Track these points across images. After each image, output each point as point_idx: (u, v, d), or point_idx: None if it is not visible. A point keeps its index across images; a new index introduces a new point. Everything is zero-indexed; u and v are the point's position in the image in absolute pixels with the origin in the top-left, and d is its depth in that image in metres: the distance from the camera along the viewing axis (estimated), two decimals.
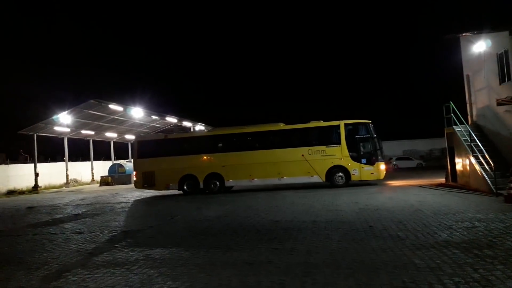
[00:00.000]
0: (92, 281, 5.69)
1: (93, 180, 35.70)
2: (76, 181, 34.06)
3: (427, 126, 37.87)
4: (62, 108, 27.21)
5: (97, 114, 29.24)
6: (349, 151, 17.64)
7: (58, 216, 13.86)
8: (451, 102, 15.49)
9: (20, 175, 29.58)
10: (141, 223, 11.20)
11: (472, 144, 14.11)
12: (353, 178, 17.59)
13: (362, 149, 17.67)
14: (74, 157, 35.44)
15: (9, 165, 31.30)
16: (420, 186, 16.58)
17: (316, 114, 58.89)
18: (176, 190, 19.65)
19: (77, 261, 6.89)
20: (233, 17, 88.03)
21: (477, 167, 13.55)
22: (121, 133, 35.41)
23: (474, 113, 16.35)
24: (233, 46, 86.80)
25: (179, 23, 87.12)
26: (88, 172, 36.31)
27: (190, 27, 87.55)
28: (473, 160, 13.85)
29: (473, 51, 15.77)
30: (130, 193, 21.79)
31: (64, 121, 28.06)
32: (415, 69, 64.97)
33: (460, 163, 15.45)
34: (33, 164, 29.96)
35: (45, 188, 30.54)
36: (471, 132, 14.40)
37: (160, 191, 20.34)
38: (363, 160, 17.48)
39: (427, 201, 11.86)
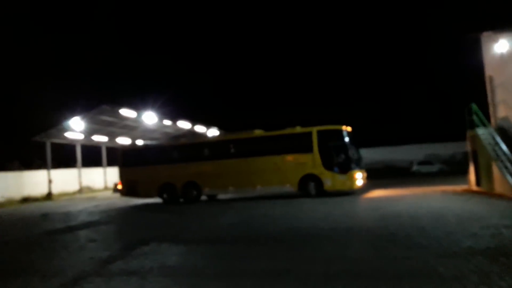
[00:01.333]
0: None
1: (106, 187, 35.87)
2: (89, 188, 34.23)
3: (449, 129, 37.21)
4: (74, 114, 27.31)
5: (109, 120, 29.37)
6: (321, 159, 16.55)
7: (72, 223, 13.87)
8: (473, 103, 15.12)
9: (33, 182, 29.81)
10: (155, 231, 11.12)
11: (496, 147, 13.67)
12: (326, 187, 16.47)
13: (334, 157, 16.46)
14: (87, 164, 35.62)
15: (23, 172, 31.62)
16: (443, 192, 15.96)
17: (336, 117, 58.57)
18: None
19: (92, 269, 6.84)
20: (247, 20, 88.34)
21: (502, 171, 13.14)
22: (134, 139, 35.52)
23: (498, 115, 15.74)
24: (249, 49, 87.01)
25: (193, 28, 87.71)
26: (101, 178, 36.50)
27: (205, 32, 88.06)
28: (497, 164, 13.45)
29: (495, 51, 15.34)
30: (143, 200, 21.77)
31: (76, 127, 28.17)
32: (435, 70, 63.99)
33: (483, 168, 14.99)
34: (46, 171, 30.20)
35: (59, 195, 30.73)
36: (495, 135, 14.00)
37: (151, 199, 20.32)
38: (336, 169, 16.35)
39: (450, 207, 11.53)
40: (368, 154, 41.17)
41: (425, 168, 34.09)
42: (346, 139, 16.76)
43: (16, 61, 64.90)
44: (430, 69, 64.76)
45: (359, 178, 16.52)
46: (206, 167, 18.70)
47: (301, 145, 17.31)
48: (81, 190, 32.36)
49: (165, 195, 19.32)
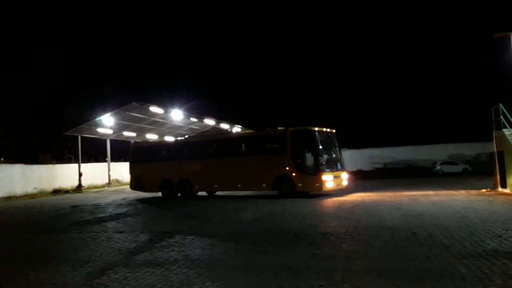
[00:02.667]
0: (133, 279, 5.80)
1: None
2: (117, 181, 35.07)
3: (474, 129, 36.30)
4: (105, 110, 28.10)
5: (138, 116, 29.99)
6: (293, 160, 16.41)
7: (101, 215, 14.29)
8: (500, 104, 14.77)
9: (65, 175, 30.82)
10: (180, 224, 11.35)
11: None
12: (298, 188, 16.37)
13: (306, 158, 16.33)
14: (116, 158, 36.52)
15: (55, 165, 32.70)
16: (467, 192, 15.69)
17: (362, 116, 57.97)
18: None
19: (119, 260, 7.05)
20: (273, 19, 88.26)
21: None
22: (161, 135, 36.16)
23: None
24: (275, 47, 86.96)
25: (222, 28, 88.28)
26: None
27: (234, 30, 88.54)
28: None
29: None
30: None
31: (107, 122, 28.98)
32: (462, 70, 62.35)
33: (510, 169, 14.65)
34: (77, 164, 31.11)
35: (88, 187, 31.65)
36: None
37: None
38: (306, 170, 16.17)
39: (474, 207, 11.32)
40: (391, 153, 40.80)
41: (448, 168, 33.39)
42: (318, 140, 16.36)
43: (52, 60, 67.12)
44: (457, 69, 63.17)
45: (329, 180, 16.02)
46: (195, 166, 19.52)
47: (277, 145, 17.39)
48: (110, 183, 33.18)
49: (164, 190, 20.37)
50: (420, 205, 12.51)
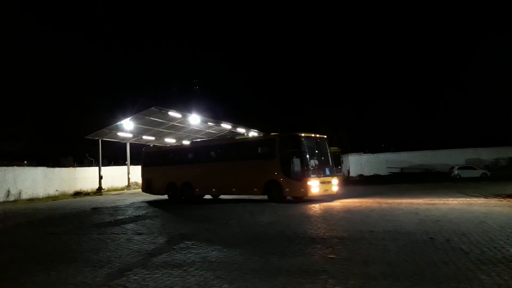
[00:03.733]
0: (152, 280, 5.91)
1: None
2: (137, 184, 35.41)
3: (493, 134, 35.66)
4: (125, 115, 28.55)
5: (157, 121, 30.39)
6: (281, 165, 16.58)
7: (120, 217, 14.53)
8: None
9: (85, 178, 31.40)
10: (198, 226, 11.48)
11: None
12: (285, 193, 16.52)
13: (292, 163, 16.35)
14: (135, 161, 36.98)
15: (76, 168, 33.34)
16: (485, 198, 15.38)
17: (379, 120, 57.44)
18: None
19: (138, 261, 7.18)
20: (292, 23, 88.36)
21: None
22: (179, 139, 36.51)
23: None
24: (293, 51, 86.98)
25: (239, 32, 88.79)
26: None
27: (252, 35, 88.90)
28: None
29: None
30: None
31: (126, 127, 29.46)
32: (481, 74, 61.33)
33: None
34: (97, 167, 31.64)
35: (108, 190, 32.13)
36: None
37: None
38: (293, 175, 16.26)
39: (493, 213, 11.11)
40: (408, 158, 40.38)
41: (466, 173, 32.80)
42: (304, 146, 16.47)
43: (75, 67, 68.59)
44: (478, 73, 62.09)
45: (315, 186, 16.08)
46: (196, 170, 20.04)
47: (267, 151, 17.63)
48: (129, 186, 33.62)
49: (170, 193, 20.97)
50: (438, 210, 12.34)
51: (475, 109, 53.31)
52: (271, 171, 16.90)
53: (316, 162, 17.05)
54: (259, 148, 18.64)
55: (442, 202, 14.56)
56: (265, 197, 17.43)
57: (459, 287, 4.97)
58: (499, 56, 57.36)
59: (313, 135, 17.52)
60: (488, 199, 14.90)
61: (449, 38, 72.64)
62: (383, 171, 39.48)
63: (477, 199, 15.03)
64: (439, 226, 9.34)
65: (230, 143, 21.01)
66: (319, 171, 16.82)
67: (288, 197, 16.93)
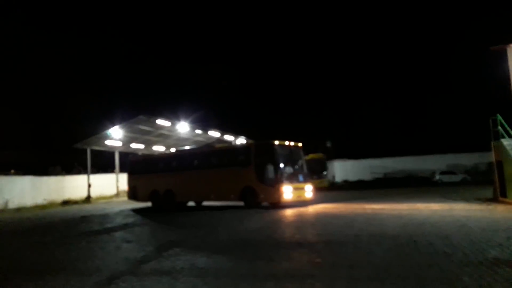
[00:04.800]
0: (141, 287, 5.93)
1: None
2: (125, 192, 35.16)
3: (472, 139, 36.32)
4: (114, 123, 28.51)
5: (145, 129, 30.37)
6: (256, 172, 17.13)
7: (109, 225, 14.46)
8: (498, 114, 14.88)
9: (74, 186, 31.14)
10: (186, 233, 11.50)
11: None
12: (260, 199, 17.05)
13: (266, 170, 16.84)
14: (124, 170, 36.77)
15: (65, 176, 33.06)
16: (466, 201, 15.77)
17: (359, 126, 57.99)
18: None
19: (127, 269, 7.18)
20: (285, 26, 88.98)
21: None
22: (168, 147, 36.47)
23: None
24: (278, 58, 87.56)
25: (226, 38, 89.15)
26: None
27: (238, 40, 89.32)
28: None
29: None
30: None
31: (115, 135, 29.38)
32: (460, 80, 62.41)
33: (509, 178, 14.70)
34: (86, 176, 31.43)
35: (97, 198, 31.90)
36: None
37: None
38: (267, 181, 16.75)
39: (475, 216, 11.36)
40: (391, 163, 40.92)
41: (447, 178, 33.59)
42: (277, 154, 17.01)
43: (62, 74, 68.16)
44: (455, 79, 63.21)
45: (288, 192, 16.57)
46: (176, 177, 20.47)
47: (244, 158, 18.09)
48: (118, 194, 33.45)
49: (153, 200, 21.40)
50: (421, 214, 12.56)
51: (455, 115, 54.22)
52: (247, 178, 17.39)
53: (290, 169, 17.52)
54: (236, 156, 19.02)
55: (424, 206, 14.85)
56: (242, 203, 17.76)
57: None
58: (477, 62, 58.59)
59: (287, 142, 17.96)
60: (469, 203, 15.26)
61: (429, 47, 73.84)
62: (367, 177, 40.02)
63: (458, 203, 15.38)
64: (422, 229, 9.51)
65: (208, 151, 21.55)
66: (293, 178, 17.27)
67: (264, 203, 17.33)
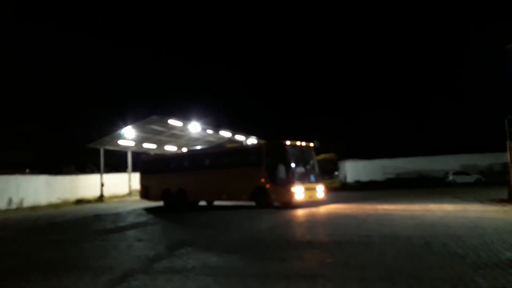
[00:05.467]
0: (152, 286, 5.98)
1: None
2: (137, 191, 35.48)
3: (487, 139, 35.77)
4: (126, 123, 28.76)
5: (158, 129, 30.56)
6: (268, 172, 17.12)
7: (121, 224, 14.61)
8: None
9: (87, 185, 31.50)
10: (197, 232, 11.56)
11: None
12: (272, 199, 16.98)
13: (278, 170, 16.81)
14: (136, 169, 37.06)
15: (78, 175, 33.46)
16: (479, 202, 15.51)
17: (374, 126, 57.59)
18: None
19: (139, 267, 7.23)
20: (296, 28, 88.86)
21: None
22: (179, 147, 36.66)
23: None
24: (292, 58, 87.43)
25: (236, 39, 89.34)
26: None
27: (250, 41, 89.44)
28: None
29: None
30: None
31: (128, 135, 29.63)
32: (474, 80, 61.51)
33: None
34: (99, 175, 31.76)
35: (110, 197, 32.20)
36: None
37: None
38: (279, 182, 16.73)
39: (489, 217, 11.19)
40: (404, 163, 40.53)
41: (461, 179, 33.03)
42: (289, 154, 17.00)
43: (76, 75, 69.04)
44: (470, 78, 62.30)
45: (299, 192, 16.49)
46: (189, 177, 20.62)
47: (255, 158, 18.08)
48: (130, 193, 33.71)
49: (165, 200, 21.51)
50: (433, 215, 12.42)
51: (470, 115, 53.45)
52: (258, 178, 17.39)
53: (302, 169, 17.49)
54: (247, 156, 19.04)
55: (437, 207, 14.67)
56: (253, 203, 17.76)
57: None
58: (493, 61, 57.71)
59: (298, 143, 17.91)
60: (483, 204, 15.00)
61: (442, 43, 73.00)
62: (379, 177, 39.66)
63: (472, 204, 15.13)
64: (435, 230, 9.40)
65: (220, 151, 21.76)
66: (304, 178, 17.23)
67: (276, 203, 17.26)
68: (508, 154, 16.09)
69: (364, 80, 76.78)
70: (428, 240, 8.21)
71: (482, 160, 36.90)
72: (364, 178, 40.67)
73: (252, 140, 36.73)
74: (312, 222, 12.41)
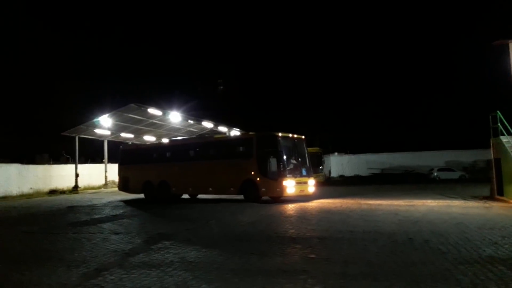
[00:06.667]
0: (128, 281, 5.78)
1: None
2: (114, 182, 34.87)
3: (471, 136, 36.55)
4: (103, 111, 28.06)
5: (136, 118, 29.93)
6: (258, 165, 16.55)
7: (97, 216, 14.25)
8: (498, 111, 14.86)
9: (61, 175, 30.71)
10: (177, 226, 11.33)
11: None
12: (261, 193, 16.53)
13: (269, 163, 16.23)
14: (113, 159, 36.41)
15: (52, 165, 32.58)
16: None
17: (360, 121, 58.14)
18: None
19: (115, 261, 7.03)
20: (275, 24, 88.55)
21: None
22: (159, 137, 36.14)
23: None
24: (274, 50, 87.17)
25: (219, 28, 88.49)
26: None
27: (232, 31, 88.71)
28: None
29: None
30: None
31: (104, 123, 28.93)
32: (459, 76, 62.75)
33: (507, 176, 14.72)
34: (74, 165, 31.04)
35: (85, 188, 31.55)
36: None
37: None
38: (269, 175, 16.19)
39: (471, 214, 11.40)
40: (389, 159, 41.04)
41: (445, 175, 33.64)
42: (281, 146, 16.49)
43: (50, 60, 67.10)
44: (455, 75, 63.52)
45: (290, 186, 16.14)
46: (173, 168, 19.88)
47: (245, 150, 17.60)
48: (106, 184, 33.10)
49: (146, 192, 20.76)
50: (417, 211, 12.55)
51: (455, 111, 54.56)
52: (248, 171, 16.90)
53: (293, 162, 17.08)
54: (237, 148, 18.48)
55: (421, 203, 14.86)
56: (242, 196, 17.39)
57: (437, 287, 5.03)
58: (478, 58, 58.94)
59: (290, 135, 17.47)
60: (466, 201, 15.31)
61: (429, 40, 74.10)
62: (364, 172, 40.01)
63: (455, 201, 15.43)
64: (418, 226, 9.49)
65: (207, 141, 20.85)
66: (296, 172, 16.86)
67: (265, 197, 16.91)
68: (491, 151, 16.34)
69: (351, 75, 77.40)
70: (411, 236, 8.25)
71: (467, 156, 37.59)
72: (348, 173, 40.96)
73: (235, 132, 36.49)
74: (295, 217, 12.34)
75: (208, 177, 18.35)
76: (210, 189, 18.59)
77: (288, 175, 16.22)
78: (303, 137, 18.17)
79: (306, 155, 18.03)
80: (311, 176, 17.80)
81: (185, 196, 20.92)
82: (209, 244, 8.29)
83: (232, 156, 17.98)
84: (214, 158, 18.72)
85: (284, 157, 16.46)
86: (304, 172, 17.27)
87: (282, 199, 16.92)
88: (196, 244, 8.30)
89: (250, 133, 18.44)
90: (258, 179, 16.59)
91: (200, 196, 20.64)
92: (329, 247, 7.60)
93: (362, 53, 79.77)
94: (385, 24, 78.56)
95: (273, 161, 16.23)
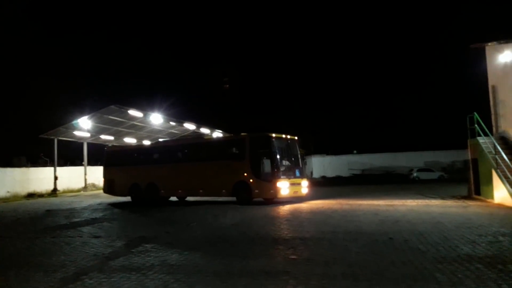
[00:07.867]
0: (108, 285, 5.69)
1: None
2: (94, 185, 34.41)
3: (449, 137, 37.33)
4: (83, 113, 27.62)
5: (116, 120, 29.53)
6: (251, 166, 16.31)
7: (76, 219, 14.00)
8: (475, 112, 15.19)
9: (40, 178, 30.06)
10: (158, 229, 11.21)
11: (497, 156, 13.79)
12: (254, 195, 16.29)
13: (262, 164, 16.08)
14: (93, 162, 35.85)
15: (30, 168, 31.86)
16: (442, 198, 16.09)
17: (339, 122, 58.62)
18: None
19: (94, 265, 6.92)
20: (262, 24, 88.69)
21: (502, 180, 13.22)
22: (140, 139, 35.75)
23: (500, 124, 15.83)
24: (256, 52, 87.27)
25: (201, 30, 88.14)
26: None
27: (212, 32, 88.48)
28: (497, 172, 13.51)
29: (499, 61, 15.52)
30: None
31: (84, 125, 28.46)
32: (439, 78, 63.99)
33: (484, 176, 15.07)
34: (52, 168, 30.43)
35: (64, 191, 30.96)
36: (496, 144, 14.06)
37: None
38: (263, 176, 16.02)
39: (449, 214, 11.61)
40: (369, 160, 41.60)
41: (424, 175, 34.29)
42: (274, 147, 16.29)
43: (27, 60, 65.67)
44: (434, 77, 64.79)
45: (284, 187, 16.00)
46: (161, 170, 19.42)
47: (237, 151, 17.37)
48: (86, 188, 32.56)
49: (133, 195, 20.22)
50: (397, 211, 12.74)
51: (434, 113, 55.62)
52: (240, 172, 16.60)
53: (287, 163, 16.91)
54: (228, 149, 18.06)
55: (401, 203, 15.09)
56: (234, 198, 17.13)
57: (416, 286, 5.09)
58: (457, 60, 60.19)
59: (283, 135, 17.26)
60: (444, 200, 15.62)
61: (407, 42, 75.37)
62: (345, 173, 40.39)
63: (434, 200, 15.74)
64: (398, 226, 9.62)
65: (197, 143, 20.45)
66: (289, 173, 16.67)
67: (257, 199, 16.69)
68: (468, 151, 16.67)
69: (332, 77, 78.11)
70: (392, 236, 8.36)
71: (445, 157, 38.37)
72: (330, 173, 41.30)
73: (217, 134, 36.36)
74: (277, 218, 12.36)
75: (198, 179, 17.93)
76: (201, 191, 18.16)
77: (282, 177, 16.02)
78: (296, 138, 18.02)
79: (299, 156, 17.90)
80: (304, 177, 17.68)
81: (173, 198, 20.55)
82: (190, 246, 8.23)
83: (223, 157, 17.59)
84: (205, 159, 18.28)
85: (278, 158, 16.28)
86: (297, 173, 17.13)
87: (275, 201, 16.75)
88: (177, 247, 8.22)
89: (242, 134, 18.13)
90: (251, 180, 16.33)
91: (189, 198, 20.22)
92: (311, 247, 7.64)
93: (342, 56, 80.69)
94: (364, 27, 79.62)
95: (266, 162, 16.06)
